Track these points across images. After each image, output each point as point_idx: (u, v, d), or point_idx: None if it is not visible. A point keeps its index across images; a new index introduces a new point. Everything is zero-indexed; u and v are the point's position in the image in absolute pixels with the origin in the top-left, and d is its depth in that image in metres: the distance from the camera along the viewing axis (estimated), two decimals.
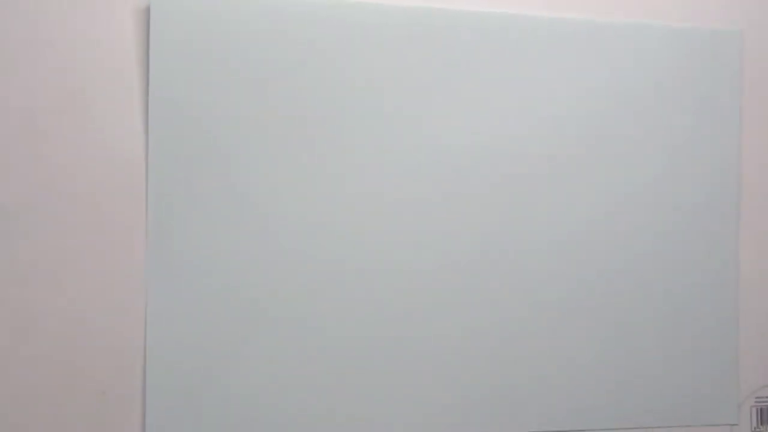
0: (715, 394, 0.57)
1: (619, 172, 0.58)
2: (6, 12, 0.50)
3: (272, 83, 0.53)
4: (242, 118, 0.53)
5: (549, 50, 0.57)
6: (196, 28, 0.52)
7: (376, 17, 0.54)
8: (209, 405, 0.52)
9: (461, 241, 0.55)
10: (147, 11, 0.52)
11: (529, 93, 0.56)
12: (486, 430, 0.56)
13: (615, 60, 0.58)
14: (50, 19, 0.51)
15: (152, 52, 0.51)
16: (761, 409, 0.60)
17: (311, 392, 0.53)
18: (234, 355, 0.52)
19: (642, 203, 0.58)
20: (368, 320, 0.54)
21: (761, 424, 0.60)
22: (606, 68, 0.58)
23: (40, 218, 0.51)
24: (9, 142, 0.50)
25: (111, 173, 0.51)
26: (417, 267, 0.55)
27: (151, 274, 0.52)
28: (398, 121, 0.55)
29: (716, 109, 0.59)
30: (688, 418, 0.59)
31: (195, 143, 0.52)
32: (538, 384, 0.56)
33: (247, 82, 0.53)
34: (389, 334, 0.54)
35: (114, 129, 0.52)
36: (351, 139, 0.54)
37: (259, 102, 0.53)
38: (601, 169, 0.57)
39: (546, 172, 0.57)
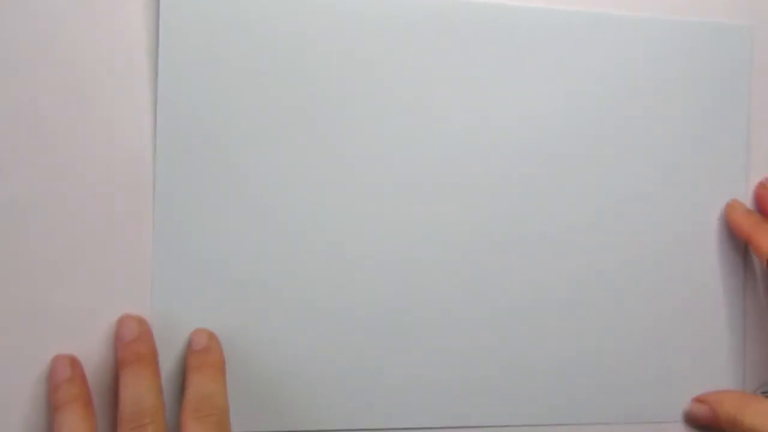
0: (720, 389, 0.57)
1: (624, 167, 0.58)
2: (11, 4, 0.49)
3: (282, 77, 0.52)
4: (251, 112, 0.52)
5: (553, 43, 0.56)
6: (206, 21, 0.51)
7: (378, 12, 0.53)
8: None
9: (467, 234, 0.55)
10: (156, 2, 0.51)
11: (533, 87, 0.56)
12: (493, 424, 0.56)
13: (620, 54, 0.57)
14: (56, 11, 0.50)
15: (161, 44, 0.51)
16: None
17: (318, 385, 0.53)
18: (241, 349, 0.52)
19: (647, 199, 0.58)
20: (376, 313, 0.54)
21: None
22: (610, 62, 0.57)
23: (45, 213, 0.50)
24: (15, 136, 0.49)
25: (118, 167, 0.51)
26: (420, 259, 0.54)
27: (158, 267, 0.51)
28: (401, 117, 0.54)
29: (724, 105, 0.59)
30: None
31: (203, 136, 0.51)
32: (542, 378, 0.57)
33: (257, 75, 0.52)
34: (396, 325, 0.54)
35: (121, 122, 0.51)
36: (358, 131, 0.54)
37: (268, 95, 0.52)
38: (605, 165, 0.57)
39: (550, 167, 0.56)
